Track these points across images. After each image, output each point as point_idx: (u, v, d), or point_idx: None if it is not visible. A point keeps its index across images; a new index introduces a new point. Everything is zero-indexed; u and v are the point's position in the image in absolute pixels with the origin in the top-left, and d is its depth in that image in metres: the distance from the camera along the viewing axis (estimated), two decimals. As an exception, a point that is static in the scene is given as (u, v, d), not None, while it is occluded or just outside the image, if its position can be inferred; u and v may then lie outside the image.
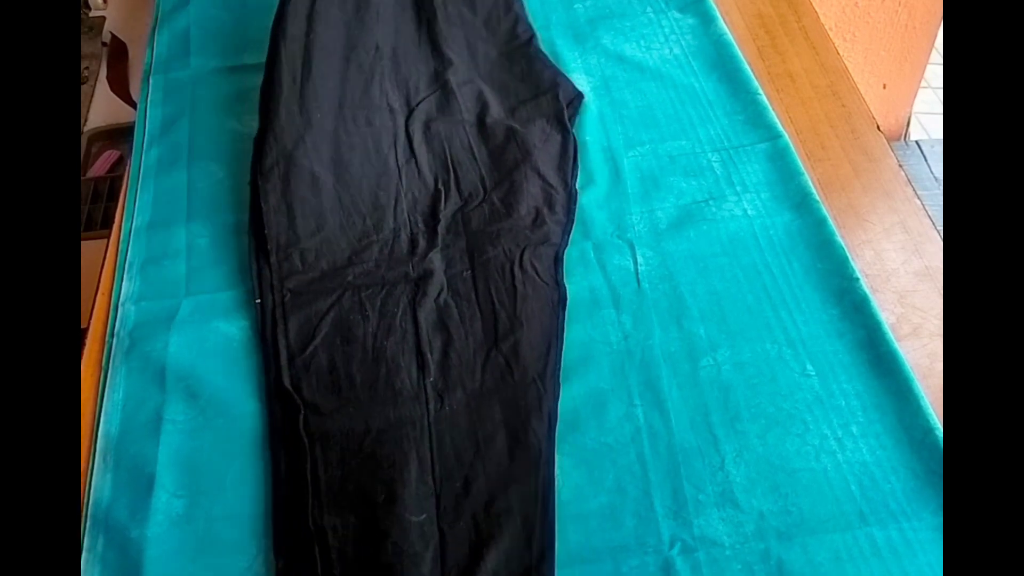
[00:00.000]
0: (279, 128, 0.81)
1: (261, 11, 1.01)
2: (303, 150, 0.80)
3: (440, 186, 0.81)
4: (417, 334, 0.70)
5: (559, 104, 0.87)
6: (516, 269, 0.74)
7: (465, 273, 0.75)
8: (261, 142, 0.81)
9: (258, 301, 0.73)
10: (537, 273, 0.74)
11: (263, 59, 0.93)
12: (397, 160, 0.82)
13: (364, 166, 0.81)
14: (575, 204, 0.81)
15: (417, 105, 0.86)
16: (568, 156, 0.84)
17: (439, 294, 0.73)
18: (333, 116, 0.83)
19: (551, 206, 0.80)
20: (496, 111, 0.87)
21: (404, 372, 0.68)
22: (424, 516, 0.61)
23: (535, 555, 0.59)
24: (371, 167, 0.81)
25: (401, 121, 0.85)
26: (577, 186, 0.82)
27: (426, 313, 0.71)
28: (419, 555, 0.59)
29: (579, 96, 0.90)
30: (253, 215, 0.78)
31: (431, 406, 0.66)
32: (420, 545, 0.59)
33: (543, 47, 0.96)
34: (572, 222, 0.80)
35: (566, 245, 0.78)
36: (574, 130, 0.86)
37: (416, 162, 0.82)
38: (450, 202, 0.80)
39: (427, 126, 0.85)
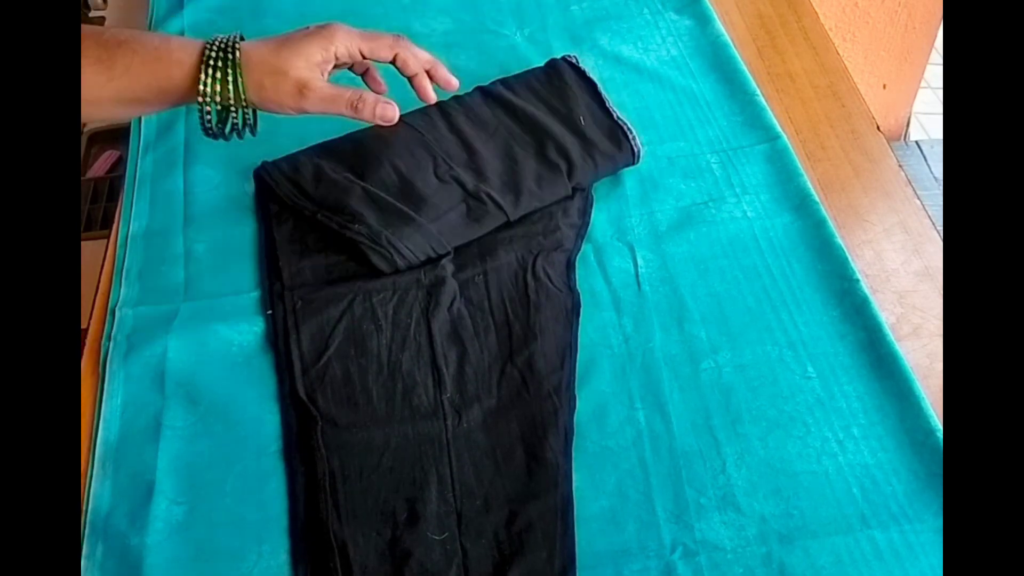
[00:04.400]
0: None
1: (256, 15, 1.02)
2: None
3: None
4: (432, 347, 0.70)
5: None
6: (529, 277, 0.74)
7: (477, 278, 0.74)
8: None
9: (269, 312, 0.73)
10: (550, 280, 0.74)
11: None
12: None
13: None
14: (591, 207, 0.81)
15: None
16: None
17: (452, 303, 0.72)
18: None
19: (565, 210, 0.79)
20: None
21: (421, 387, 0.68)
22: (446, 534, 0.61)
23: (557, 570, 0.59)
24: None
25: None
26: (592, 190, 0.82)
27: (440, 324, 0.71)
28: (442, 573, 0.59)
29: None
30: (265, 241, 0.78)
31: (449, 423, 0.66)
32: (443, 563, 0.59)
33: (539, 49, 0.96)
34: (587, 225, 0.79)
35: (579, 249, 0.77)
36: None
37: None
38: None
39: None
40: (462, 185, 0.77)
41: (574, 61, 0.86)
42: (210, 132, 0.69)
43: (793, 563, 0.59)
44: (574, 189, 0.80)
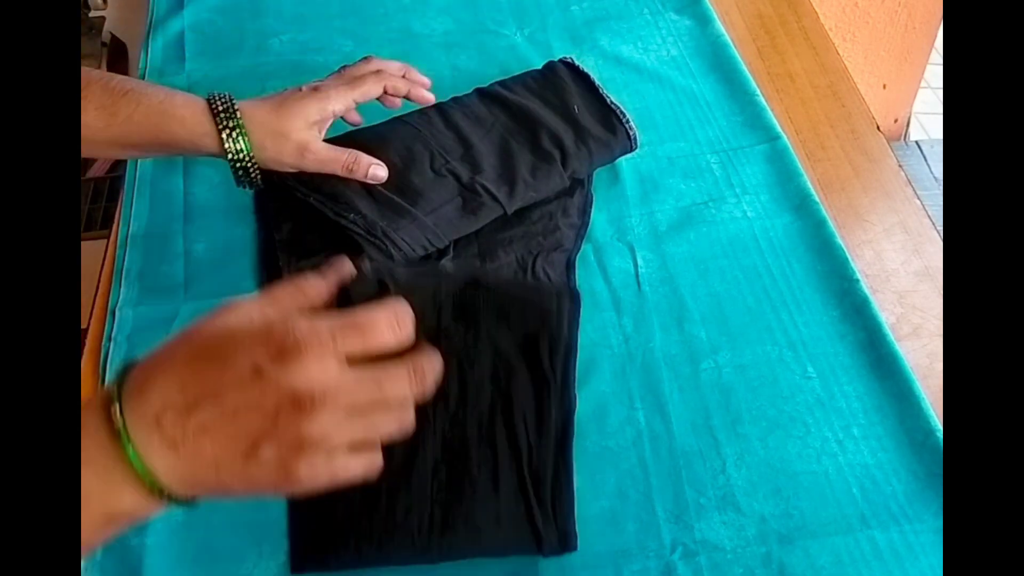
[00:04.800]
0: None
1: (256, 15, 1.02)
2: None
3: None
4: None
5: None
6: (528, 278, 0.74)
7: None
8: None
9: None
10: (550, 280, 0.74)
11: (258, 63, 0.92)
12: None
13: None
14: (591, 206, 0.81)
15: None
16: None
17: None
18: None
19: (565, 209, 0.79)
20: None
21: None
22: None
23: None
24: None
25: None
26: (592, 189, 0.82)
27: None
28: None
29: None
30: (264, 241, 0.78)
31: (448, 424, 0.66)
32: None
33: (539, 49, 0.96)
34: (587, 225, 0.79)
35: (579, 249, 0.77)
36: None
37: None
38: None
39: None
40: (457, 178, 0.77)
41: (570, 61, 0.86)
42: (242, 184, 0.74)
43: (793, 563, 0.59)
44: (572, 180, 0.80)
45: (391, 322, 0.47)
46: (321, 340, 0.44)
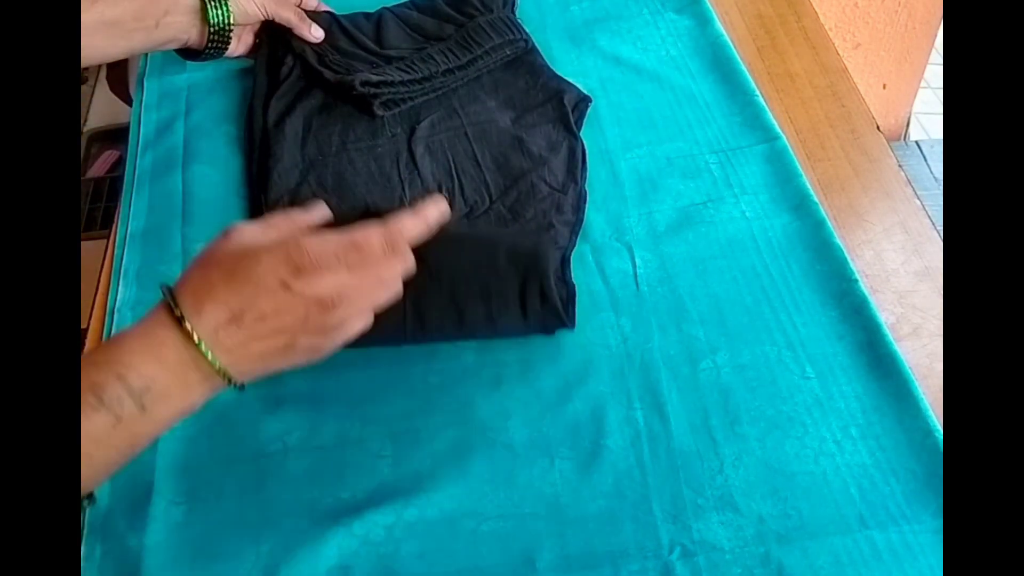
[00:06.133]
0: (282, 169, 0.82)
1: (258, 15, 1.01)
2: (307, 186, 0.81)
3: (443, 193, 0.80)
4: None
5: (564, 109, 0.87)
6: None
7: None
8: (265, 178, 0.81)
9: None
10: None
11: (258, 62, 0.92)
12: (400, 174, 0.82)
13: (368, 184, 0.81)
14: (585, 203, 0.81)
15: (419, 124, 0.86)
16: (577, 159, 0.83)
17: None
18: (336, 152, 0.84)
19: (559, 208, 0.79)
20: (502, 121, 0.86)
21: None
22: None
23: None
24: (375, 184, 0.82)
25: (403, 140, 0.85)
26: (586, 186, 0.82)
27: None
28: None
29: (585, 100, 0.89)
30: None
31: None
32: None
33: (539, 49, 0.96)
34: (581, 221, 0.79)
35: (574, 246, 0.77)
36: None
37: (419, 173, 0.82)
38: (455, 209, 0.79)
39: (430, 139, 0.85)
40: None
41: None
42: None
43: (791, 564, 0.59)
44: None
45: (382, 243, 0.58)
46: (329, 260, 0.56)
